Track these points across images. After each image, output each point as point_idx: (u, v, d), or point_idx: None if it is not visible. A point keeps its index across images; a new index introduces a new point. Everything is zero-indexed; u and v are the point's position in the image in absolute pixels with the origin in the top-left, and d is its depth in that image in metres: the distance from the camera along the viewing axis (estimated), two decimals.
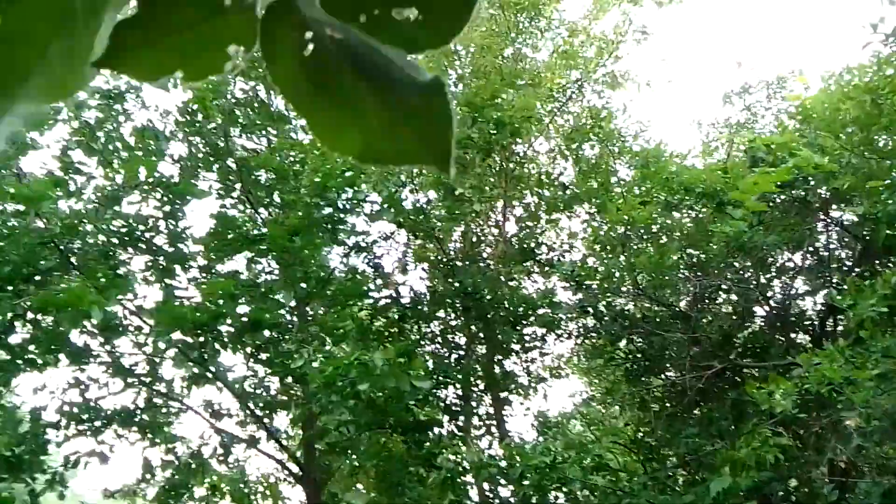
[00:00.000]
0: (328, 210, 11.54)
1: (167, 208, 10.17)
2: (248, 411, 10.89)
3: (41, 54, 0.65)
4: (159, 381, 10.34)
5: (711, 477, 8.35)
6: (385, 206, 11.20)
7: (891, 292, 8.60)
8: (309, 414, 10.29)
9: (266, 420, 11.02)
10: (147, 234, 10.06)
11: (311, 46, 0.67)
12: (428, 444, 10.49)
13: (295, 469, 11.25)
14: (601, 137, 11.89)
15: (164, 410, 10.50)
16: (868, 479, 7.90)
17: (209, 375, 10.36)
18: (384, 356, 8.56)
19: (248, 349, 10.54)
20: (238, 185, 11.21)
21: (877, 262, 8.98)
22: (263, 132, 11.41)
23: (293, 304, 10.76)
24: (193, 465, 10.40)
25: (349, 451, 10.71)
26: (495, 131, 11.13)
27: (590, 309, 10.80)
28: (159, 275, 10.35)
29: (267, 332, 10.29)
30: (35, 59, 0.65)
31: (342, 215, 11.56)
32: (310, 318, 11.20)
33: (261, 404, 11.01)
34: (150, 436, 10.25)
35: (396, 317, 11.82)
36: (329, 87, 0.69)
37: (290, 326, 10.85)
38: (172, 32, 0.68)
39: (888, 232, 8.64)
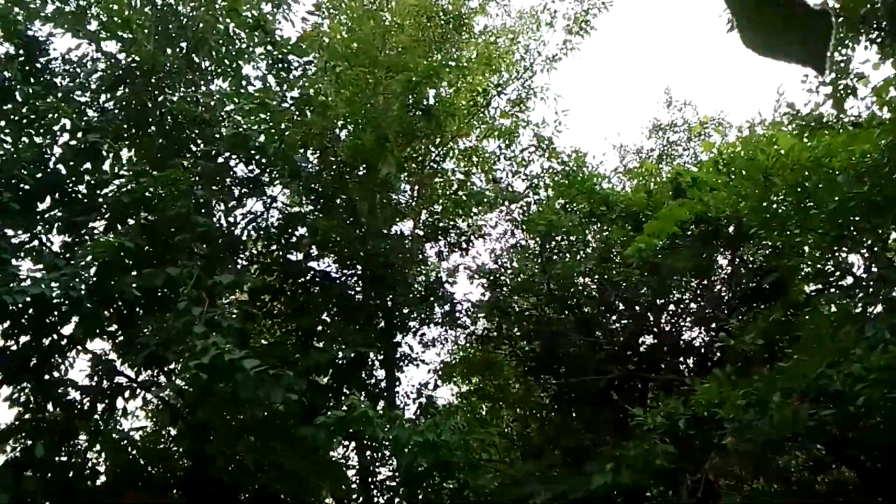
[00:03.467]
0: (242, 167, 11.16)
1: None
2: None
3: None
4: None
5: (594, 471, 9.01)
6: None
7: (768, 327, 9.73)
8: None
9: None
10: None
11: None
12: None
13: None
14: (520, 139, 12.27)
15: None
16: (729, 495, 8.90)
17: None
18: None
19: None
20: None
21: (762, 302, 9.99)
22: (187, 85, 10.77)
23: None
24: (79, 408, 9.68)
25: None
26: (419, 121, 11.14)
27: (500, 305, 11.18)
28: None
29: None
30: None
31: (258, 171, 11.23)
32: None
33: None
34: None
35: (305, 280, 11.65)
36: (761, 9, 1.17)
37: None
38: None
39: (777, 276, 9.70)
